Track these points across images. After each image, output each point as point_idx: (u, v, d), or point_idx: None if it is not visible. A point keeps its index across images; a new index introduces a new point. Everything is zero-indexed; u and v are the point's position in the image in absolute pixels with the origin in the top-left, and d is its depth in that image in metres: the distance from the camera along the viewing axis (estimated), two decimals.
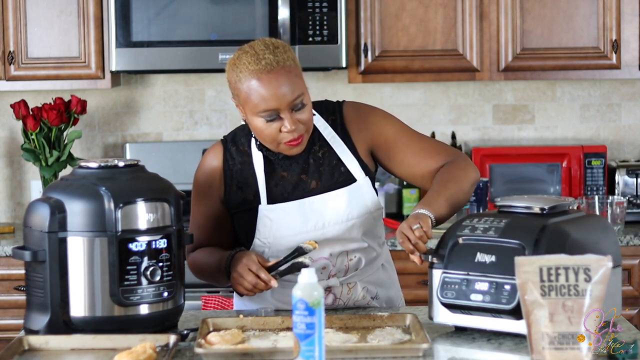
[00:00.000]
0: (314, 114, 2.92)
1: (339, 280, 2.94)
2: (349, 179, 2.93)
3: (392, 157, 2.97)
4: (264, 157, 2.94)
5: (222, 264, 2.86)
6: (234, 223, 2.99)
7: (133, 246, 2.55)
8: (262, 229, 2.91)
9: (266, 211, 2.91)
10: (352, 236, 2.92)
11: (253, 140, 2.95)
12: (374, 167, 3.01)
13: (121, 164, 2.63)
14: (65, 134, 4.70)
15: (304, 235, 2.89)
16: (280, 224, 2.90)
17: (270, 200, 2.92)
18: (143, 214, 2.57)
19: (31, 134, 4.62)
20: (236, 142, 2.99)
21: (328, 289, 2.94)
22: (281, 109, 2.79)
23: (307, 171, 2.94)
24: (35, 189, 4.92)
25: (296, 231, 2.89)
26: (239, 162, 2.96)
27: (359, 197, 2.92)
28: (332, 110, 2.99)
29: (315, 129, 2.94)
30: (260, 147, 2.93)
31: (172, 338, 2.50)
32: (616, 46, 4.59)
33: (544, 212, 2.62)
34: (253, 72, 2.77)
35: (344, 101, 3.02)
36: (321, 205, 2.91)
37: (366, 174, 2.94)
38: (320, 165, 2.94)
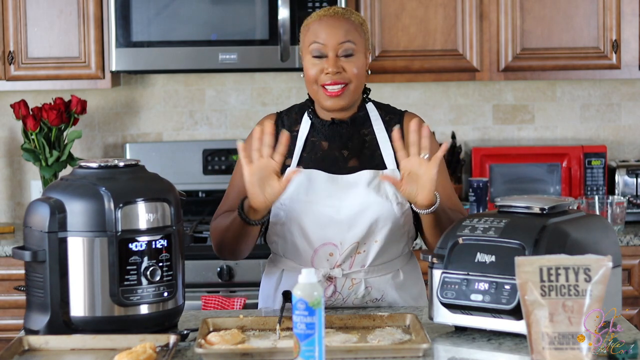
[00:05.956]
0: (369, 101, 3.02)
1: (342, 272, 2.93)
2: (382, 167, 2.96)
3: None
4: (312, 125, 2.99)
5: (237, 208, 2.84)
6: None
7: (133, 246, 2.55)
8: None
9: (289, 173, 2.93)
10: (365, 226, 2.90)
11: (306, 113, 3.01)
12: None
13: (121, 164, 2.63)
14: (65, 134, 4.70)
15: (317, 206, 2.90)
16: (298, 188, 2.91)
17: (301, 165, 2.95)
18: (143, 214, 2.57)
19: (31, 134, 4.62)
20: (289, 112, 3.06)
21: (330, 279, 2.93)
22: (327, 47, 2.90)
23: (349, 147, 2.97)
24: (35, 189, 4.91)
25: (311, 199, 2.91)
26: (287, 128, 3.00)
27: (381, 183, 2.92)
28: (392, 112, 3.05)
29: (367, 117, 3.01)
30: (312, 113, 2.99)
31: (172, 338, 2.49)
32: (616, 46, 4.59)
33: (544, 212, 2.62)
34: (318, 15, 2.94)
35: (406, 110, 3.08)
36: (343, 181, 2.92)
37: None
38: (364, 147, 2.98)
